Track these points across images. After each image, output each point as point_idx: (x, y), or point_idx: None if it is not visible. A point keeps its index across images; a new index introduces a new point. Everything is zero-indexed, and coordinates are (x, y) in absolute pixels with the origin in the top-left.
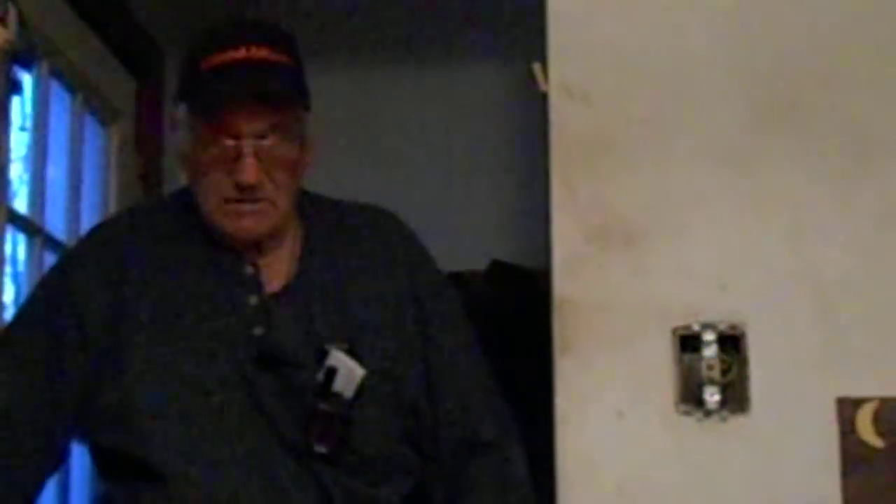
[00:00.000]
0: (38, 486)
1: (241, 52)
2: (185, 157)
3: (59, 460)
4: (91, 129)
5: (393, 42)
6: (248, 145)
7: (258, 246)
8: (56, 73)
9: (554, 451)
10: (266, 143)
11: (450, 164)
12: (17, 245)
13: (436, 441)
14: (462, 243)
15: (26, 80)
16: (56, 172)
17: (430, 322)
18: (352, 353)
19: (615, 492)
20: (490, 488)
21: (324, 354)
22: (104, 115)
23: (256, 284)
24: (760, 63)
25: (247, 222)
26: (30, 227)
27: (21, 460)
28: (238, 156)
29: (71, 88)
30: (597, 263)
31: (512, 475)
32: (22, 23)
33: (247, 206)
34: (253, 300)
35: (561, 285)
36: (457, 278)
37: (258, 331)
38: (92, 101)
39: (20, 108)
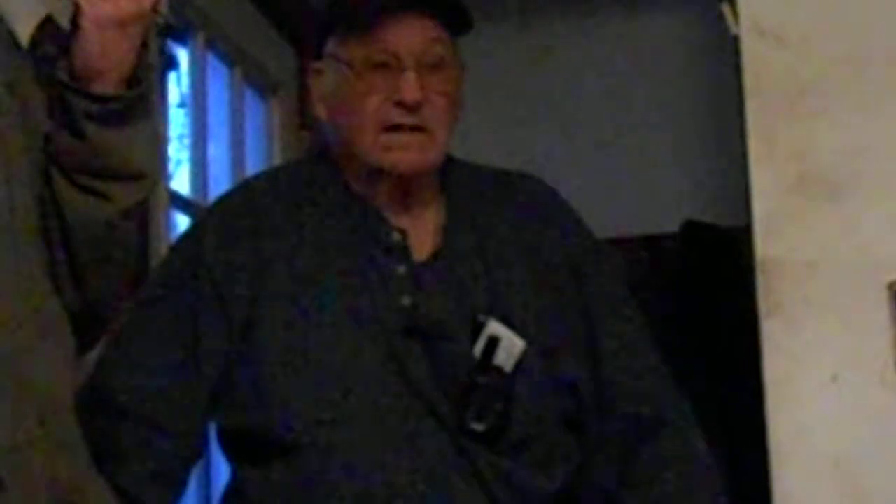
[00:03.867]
0: (188, 472)
1: None
2: (330, 97)
3: (203, 444)
4: (252, 103)
5: None
6: (408, 58)
7: (406, 205)
8: (212, 47)
9: (764, 423)
10: (427, 59)
11: (634, 118)
12: (179, 228)
13: (601, 422)
14: (651, 204)
15: (182, 55)
16: (217, 150)
17: (590, 293)
18: (507, 323)
19: (833, 463)
20: (671, 467)
21: (479, 326)
22: (264, 88)
23: (405, 252)
24: None
25: (408, 154)
26: (193, 208)
27: (171, 448)
28: (399, 71)
29: (228, 61)
30: (801, 218)
31: (694, 453)
32: None
33: (406, 137)
34: (401, 269)
35: (763, 244)
36: (648, 242)
37: (407, 301)
38: (251, 73)
39: (177, 85)
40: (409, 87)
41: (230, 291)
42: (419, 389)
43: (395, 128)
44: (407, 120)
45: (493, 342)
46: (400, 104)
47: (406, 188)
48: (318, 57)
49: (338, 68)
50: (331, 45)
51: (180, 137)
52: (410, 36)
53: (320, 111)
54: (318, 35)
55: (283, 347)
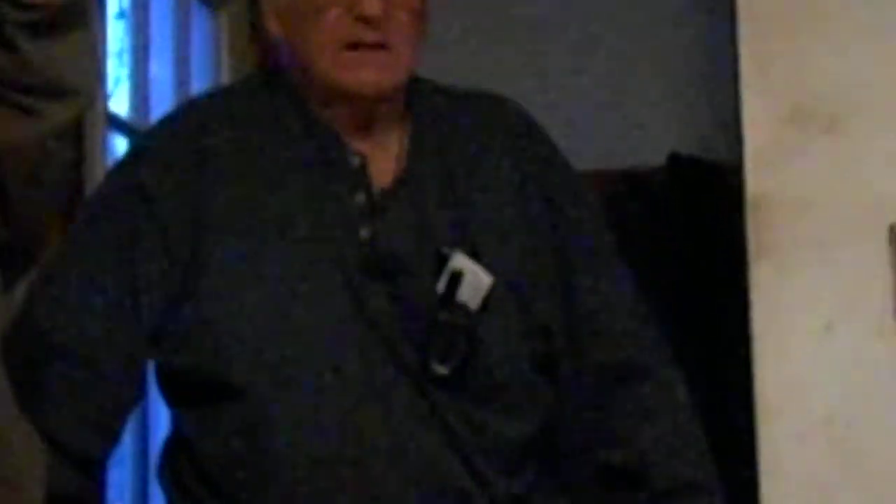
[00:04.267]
0: (125, 419)
1: None
2: (284, 11)
3: (142, 389)
4: (198, 15)
5: None
6: None
7: (367, 129)
8: None
9: (750, 375)
10: None
11: (614, 39)
12: (118, 151)
13: (575, 367)
14: (633, 134)
15: None
16: (159, 68)
17: (566, 227)
18: (475, 257)
19: (824, 420)
20: (650, 418)
21: (443, 260)
22: None
23: (364, 179)
24: None
25: (370, 73)
26: (132, 130)
27: (108, 396)
28: None
29: None
30: (796, 153)
31: (675, 404)
32: None
33: (368, 55)
34: (359, 197)
35: (754, 180)
36: (630, 176)
37: (365, 233)
38: None
39: None
40: (370, 1)
41: (171, 222)
42: (379, 330)
43: (356, 45)
44: (368, 36)
45: (457, 277)
46: (360, 19)
47: (367, 110)
48: None
49: None
50: None
51: (119, 54)
52: None
53: (273, 26)
54: None
55: (230, 282)
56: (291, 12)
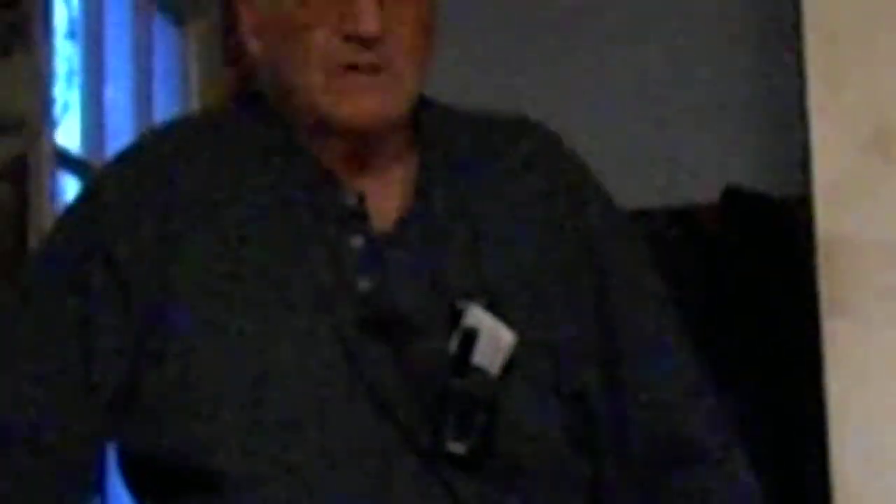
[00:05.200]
0: None
1: None
2: (264, 28)
3: (98, 476)
4: (161, 30)
5: None
6: None
7: (364, 162)
8: None
9: (826, 452)
10: None
11: (667, 59)
12: (68, 194)
13: (619, 443)
14: (686, 168)
15: None
16: (117, 92)
17: (605, 274)
18: (494, 311)
19: None
20: None
21: (457, 315)
22: (178, 10)
23: (362, 220)
24: None
25: (366, 101)
26: (85, 167)
27: (55, 479)
28: None
29: None
30: (876, 186)
31: (736, 488)
32: None
33: (366, 79)
34: (357, 241)
35: (826, 218)
36: (680, 215)
37: (365, 284)
38: None
39: (65, 7)
40: (366, 16)
41: (134, 277)
42: (383, 400)
43: (350, 68)
44: (363, 58)
45: (472, 335)
46: (354, 38)
47: (364, 143)
48: None
49: None
50: None
51: (69, 75)
52: None
53: (252, 45)
54: None
55: (203, 346)
56: (273, 29)
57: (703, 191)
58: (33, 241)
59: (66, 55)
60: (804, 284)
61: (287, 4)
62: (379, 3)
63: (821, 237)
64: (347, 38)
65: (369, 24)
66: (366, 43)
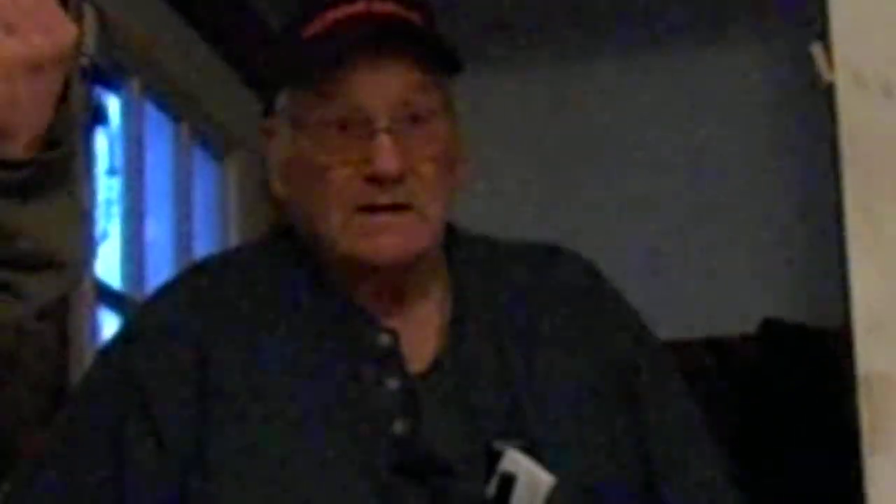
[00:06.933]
0: None
1: (360, 6)
2: (285, 168)
3: None
4: (202, 166)
5: (610, 22)
6: (379, 114)
7: (396, 299)
8: (152, 94)
9: None
10: (405, 113)
11: (699, 184)
12: (108, 329)
13: None
14: (720, 297)
15: (113, 105)
16: (157, 227)
17: (646, 410)
18: (532, 453)
19: None
20: None
21: (495, 457)
22: (218, 146)
23: (396, 361)
24: None
25: (388, 239)
26: (125, 303)
27: None
28: (369, 136)
29: (173, 113)
30: None
31: None
32: (103, 27)
33: (386, 218)
34: (392, 384)
35: (867, 353)
36: (718, 346)
37: (400, 427)
38: (201, 127)
39: (107, 144)
40: (384, 157)
41: (168, 416)
42: None
43: (370, 208)
44: (384, 198)
45: (510, 479)
46: (373, 178)
47: (392, 280)
48: (269, 112)
49: (290, 130)
50: (283, 99)
51: (108, 203)
52: (380, 83)
53: (276, 185)
54: (267, 83)
55: (240, 492)
56: (296, 169)
57: (741, 322)
58: (74, 377)
59: (109, 191)
60: (844, 419)
61: (307, 146)
62: (398, 142)
63: (861, 372)
64: (368, 179)
65: (388, 164)
66: (386, 183)
